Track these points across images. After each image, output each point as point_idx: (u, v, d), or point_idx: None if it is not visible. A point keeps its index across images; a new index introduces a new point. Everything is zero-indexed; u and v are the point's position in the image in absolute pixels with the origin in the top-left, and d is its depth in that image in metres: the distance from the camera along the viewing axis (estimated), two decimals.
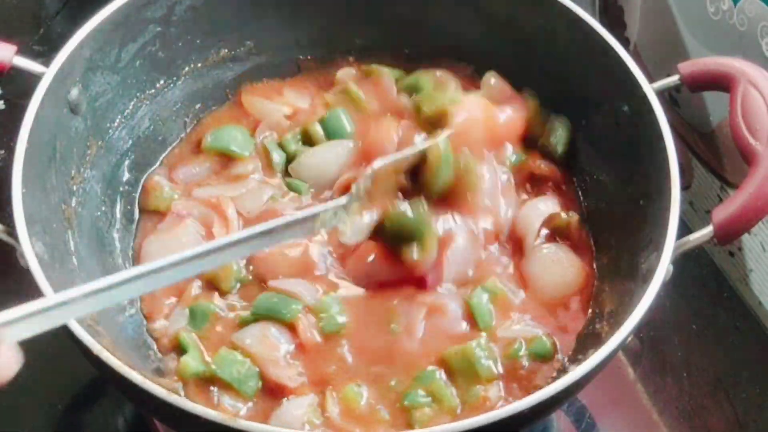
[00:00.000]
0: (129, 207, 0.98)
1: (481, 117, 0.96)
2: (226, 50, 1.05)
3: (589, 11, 0.96)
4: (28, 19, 1.32)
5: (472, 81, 1.04)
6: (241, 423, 0.69)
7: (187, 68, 1.03)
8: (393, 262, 0.91)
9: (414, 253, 0.89)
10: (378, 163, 0.89)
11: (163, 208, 0.97)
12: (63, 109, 0.88)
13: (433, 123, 0.96)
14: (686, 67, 0.89)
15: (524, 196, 0.99)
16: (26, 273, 0.76)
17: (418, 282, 0.91)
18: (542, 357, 0.88)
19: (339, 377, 0.86)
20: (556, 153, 1.00)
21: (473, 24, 1.04)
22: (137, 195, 0.99)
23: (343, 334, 0.88)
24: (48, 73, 0.85)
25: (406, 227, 0.89)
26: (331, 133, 1.01)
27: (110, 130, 0.97)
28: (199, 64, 1.04)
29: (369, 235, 0.89)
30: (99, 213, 0.94)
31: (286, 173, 1.01)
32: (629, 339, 0.78)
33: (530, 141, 1.01)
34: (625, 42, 1.13)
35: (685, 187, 1.10)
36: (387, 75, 1.05)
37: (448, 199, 0.93)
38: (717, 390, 1.02)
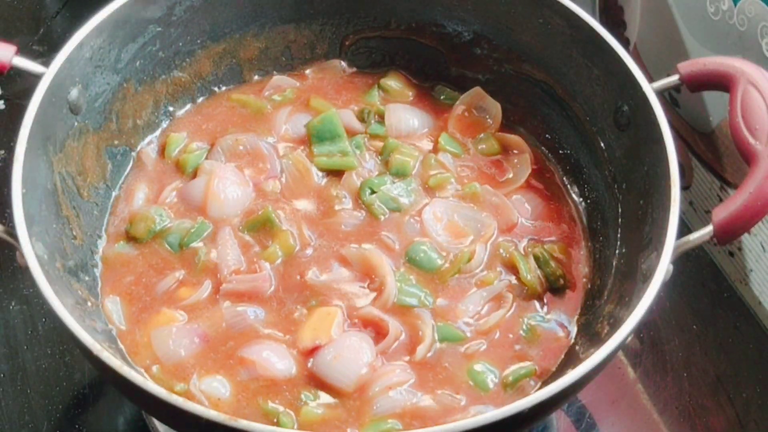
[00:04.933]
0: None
1: None
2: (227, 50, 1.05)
3: (589, 11, 0.96)
4: (28, 19, 1.32)
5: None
6: (242, 423, 0.69)
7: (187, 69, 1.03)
8: None
9: None
10: None
11: None
12: (63, 109, 0.88)
13: None
14: (686, 67, 0.89)
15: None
16: (26, 273, 0.76)
17: None
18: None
19: None
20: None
21: (471, 24, 1.04)
22: None
23: None
24: (48, 73, 0.85)
25: None
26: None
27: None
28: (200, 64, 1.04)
29: None
30: (100, 212, 0.95)
31: None
32: (629, 339, 0.78)
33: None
34: (625, 42, 1.13)
35: (685, 187, 1.10)
36: None
37: None
38: (717, 390, 1.02)
